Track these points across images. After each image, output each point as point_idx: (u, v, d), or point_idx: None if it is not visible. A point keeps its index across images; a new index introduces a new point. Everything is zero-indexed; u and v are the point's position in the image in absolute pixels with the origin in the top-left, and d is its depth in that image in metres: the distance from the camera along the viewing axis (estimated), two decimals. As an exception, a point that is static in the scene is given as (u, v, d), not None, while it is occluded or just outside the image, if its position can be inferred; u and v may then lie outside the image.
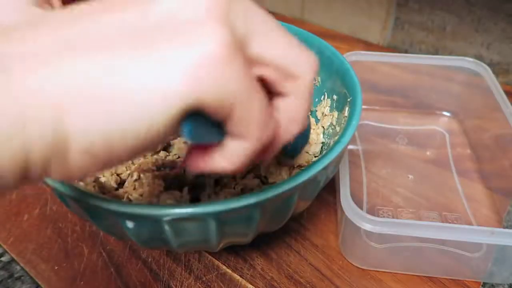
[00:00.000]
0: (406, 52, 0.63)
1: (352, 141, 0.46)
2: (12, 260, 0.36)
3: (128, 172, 0.35)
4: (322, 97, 0.38)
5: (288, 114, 0.19)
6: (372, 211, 0.39)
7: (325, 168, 0.25)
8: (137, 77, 0.13)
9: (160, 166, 0.36)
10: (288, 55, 0.17)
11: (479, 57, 0.56)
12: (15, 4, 0.24)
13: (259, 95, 0.16)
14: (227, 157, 0.17)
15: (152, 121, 0.14)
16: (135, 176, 0.34)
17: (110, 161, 0.15)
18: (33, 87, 0.13)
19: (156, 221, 0.22)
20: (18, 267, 0.35)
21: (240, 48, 0.15)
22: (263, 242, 0.36)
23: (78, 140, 0.14)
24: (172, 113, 0.14)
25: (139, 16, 0.14)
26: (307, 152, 0.37)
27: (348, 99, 0.32)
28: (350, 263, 0.35)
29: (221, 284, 0.33)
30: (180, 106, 0.14)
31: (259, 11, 0.16)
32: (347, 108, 0.32)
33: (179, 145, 0.38)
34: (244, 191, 0.34)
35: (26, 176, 0.14)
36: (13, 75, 0.13)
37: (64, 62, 0.13)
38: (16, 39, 0.13)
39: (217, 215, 0.22)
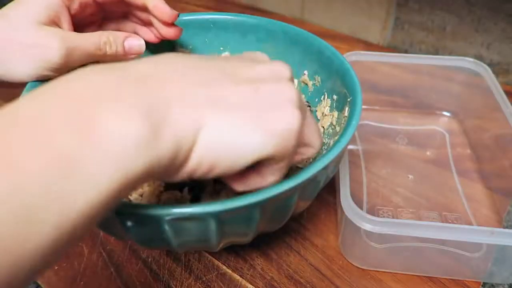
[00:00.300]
0: (406, 52, 0.63)
1: (352, 141, 0.46)
2: (12, 260, 0.36)
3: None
4: (322, 97, 0.38)
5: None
6: (372, 211, 0.39)
7: (325, 168, 0.25)
8: (249, 129, 0.20)
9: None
10: (315, 136, 0.24)
11: (479, 57, 0.56)
12: (27, 23, 0.26)
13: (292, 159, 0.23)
14: (245, 185, 0.23)
15: (247, 159, 0.20)
16: (135, 176, 0.34)
17: (197, 176, 0.20)
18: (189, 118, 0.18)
19: (156, 221, 0.22)
20: (18, 267, 0.35)
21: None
22: (263, 242, 0.36)
23: (196, 156, 0.19)
24: (254, 158, 0.20)
25: (252, 92, 0.20)
26: None
27: (348, 99, 0.32)
28: (350, 263, 0.35)
29: (221, 284, 0.33)
30: (263, 154, 0.20)
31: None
32: (347, 108, 0.32)
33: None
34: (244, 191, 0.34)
35: (169, 171, 0.19)
36: (173, 109, 0.18)
37: (205, 110, 0.19)
38: (158, 86, 0.19)
39: (217, 215, 0.22)
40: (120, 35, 0.32)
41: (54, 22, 0.29)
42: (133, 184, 0.17)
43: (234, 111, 0.19)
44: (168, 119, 0.18)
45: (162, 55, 0.21)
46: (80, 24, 0.33)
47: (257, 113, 0.20)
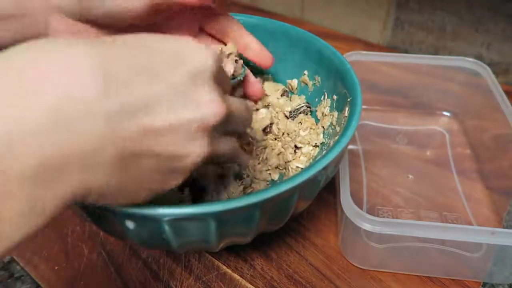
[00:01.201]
0: (406, 52, 0.63)
1: (352, 141, 0.46)
2: (12, 260, 0.36)
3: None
4: (322, 97, 0.38)
5: None
6: (372, 211, 0.39)
7: (325, 168, 0.25)
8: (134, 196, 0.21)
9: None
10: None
11: (479, 57, 0.56)
12: None
13: None
14: None
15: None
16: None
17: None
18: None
19: (156, 221, 0.22)
20: (18, 267, 0.35)
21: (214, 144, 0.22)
22: (263, 242, 0.36)
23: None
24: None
25: (154, 163, 0.20)
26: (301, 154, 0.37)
27: (348, 99, 0.32)
28: (350, 263, 0.35)
29: (221, 284, 0.33)
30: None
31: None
32: (347, 108, 0.32)
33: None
34: (245, 190, 0.34)
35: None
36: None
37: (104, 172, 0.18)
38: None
39: (217, 215, 0.22)
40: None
41: None
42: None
43: (130, 180, 0.19)
44: (61, 180, 0.16)
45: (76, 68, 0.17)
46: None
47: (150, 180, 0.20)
